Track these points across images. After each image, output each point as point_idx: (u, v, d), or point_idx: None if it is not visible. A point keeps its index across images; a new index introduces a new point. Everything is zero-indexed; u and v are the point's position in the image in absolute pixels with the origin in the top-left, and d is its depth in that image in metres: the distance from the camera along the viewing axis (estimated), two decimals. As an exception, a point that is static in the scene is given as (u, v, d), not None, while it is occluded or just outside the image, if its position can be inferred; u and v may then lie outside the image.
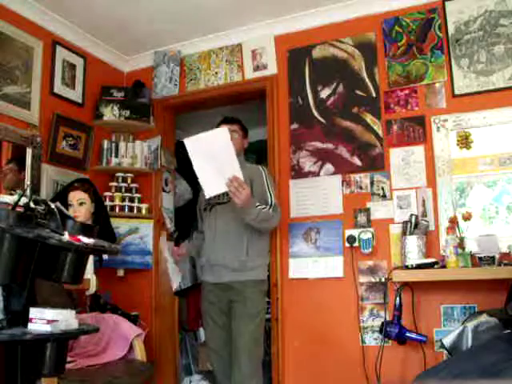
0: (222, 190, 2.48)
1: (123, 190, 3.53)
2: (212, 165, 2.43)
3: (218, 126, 2.81)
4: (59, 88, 3.29)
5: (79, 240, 1.47)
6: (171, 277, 3.61)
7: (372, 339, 2.86)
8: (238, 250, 2.67)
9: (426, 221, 2.76)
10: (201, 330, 4.19)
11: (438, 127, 2.88)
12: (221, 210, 2.74)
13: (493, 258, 2.45)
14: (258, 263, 2.71)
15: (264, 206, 2.60)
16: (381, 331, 2.67)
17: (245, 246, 2.66)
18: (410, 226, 2.69)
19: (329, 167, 3.13)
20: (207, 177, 2.46)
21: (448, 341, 2.13)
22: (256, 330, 2.65)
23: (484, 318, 2.20)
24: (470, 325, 2.14)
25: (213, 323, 2.77)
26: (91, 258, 2.73)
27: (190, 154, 2.43)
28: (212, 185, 2.48)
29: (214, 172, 2.44)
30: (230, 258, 2.66)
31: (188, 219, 3.90)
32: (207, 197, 2.55)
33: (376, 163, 3.01)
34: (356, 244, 2.94)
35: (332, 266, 3.01)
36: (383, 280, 2.83)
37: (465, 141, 2.81)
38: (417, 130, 2.93)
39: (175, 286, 3.63)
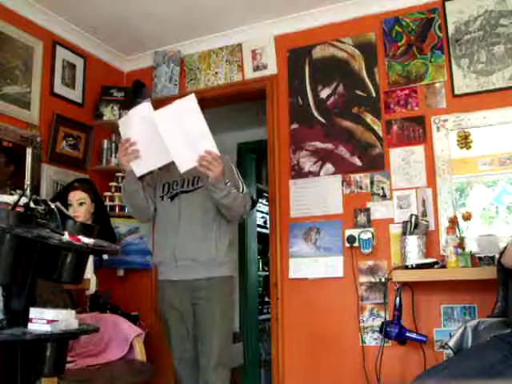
0: (193, 164, 2.24)
1: (123, 189, 3.53)
2: (183, 137, 2.21)
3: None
4: (59, 88, 3.29)
5: (79, 240, 1.47)
6: None
7: (372, 339, 2.86)
8: (207, 243, 2.39)
9: (426, 221, 2.76)
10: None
11: (438, 127, 2.88)
12: (186, 199, 2.45)
13: (493, 258, 2.45)
14: (227, 258, 2.45)
15: (233, 188, 2.39)
16: (381, 331, 2.67)
17: (214, 239, 2.40)
18: (410, 226, 2.69)
19: (329, 167, 3.13)
20: (179, 151, 2.23)
21: (453, 342, 2.13)
22: (228, 332, 2.44)
23: (484, 317, 2.20)
24: (470, 324, 2.14)
25: (176, 330, 2.48)
26: (91, 258, 2.73)
27: (159, 129, 2.22)
28: (183, 160, 2.25)
29: (186, 146, 2.22)
30: (199, 252, 2.38)
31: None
32: (181, 171, 2.28)
33: (376, 163, 3.01)
34: (356, 244, 2.94)
35: (332, 266, 3.01)
36: (383, 280, 2.83)
37: (464, 141, 2.81)
38: (417, 130, 2.93)
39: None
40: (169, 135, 2.22)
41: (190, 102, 2.19)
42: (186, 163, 2.24)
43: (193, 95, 2.20)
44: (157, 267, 2.59)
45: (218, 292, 2.39)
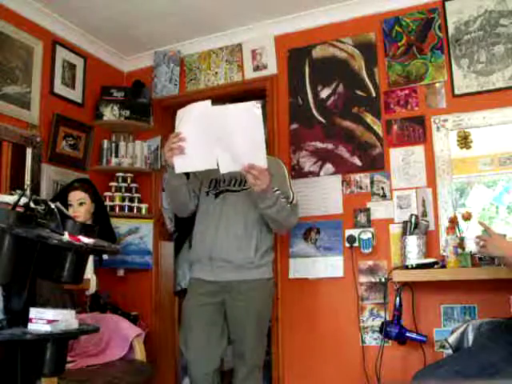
0: (236, 169, 2.18)
1: (123, 190, 3.53)
2: (236, 140, 2.13)
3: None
4: (59, 88, 3.29)
5: (79, 240, 1.47)
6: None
7: (372, 339, 2.86)
8: (245, 246, 2.35)
9: (426, 221, 2.76)
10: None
11: (438, 127, 2.88)
12: (230, 199, 2.42)
13: (493, 258, 2.45)
14: (264, 261, 2.41)
15: (283, 196, 2.33)
16: (381, 331, 2.67)
17: (254, 242, 2.36)
18: (410, 226, 2.69)
19: (329, 167, 3.13)
20: (227, 152, 2.16)
21: (452, 339, 2.13)
22: (262, 333, 2.40)
23: (486, 318, 2.20)
24: (472, 324, 2.14)
25: (200, 333, 2.36)
26: (91, 258, 2.73)
27: (214, 123, 2.16)
28: (229, 162, 2.17)
29: (236, 148, 2.14)
30: (236, 254, 2.34)
31: (188, 219, 3.89)
32: (222, 172, 2.21)
33: (376, 163, 3.01)
34: (356, 244, 2.94)
35: (332, 266, 3.01)
36: (383, 280, 2.83)
37: (464, 141, 2.81)
38: (417, 130, 2.93)
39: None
40: (222, 133, 2.15)
41: (256, 109, 2.11)
42: (230, 165, 2.18)
43: (259, 104, 2.13)
44: (191, 264, 2.55)
45: (254, 294, 2.36)
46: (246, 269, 2.35)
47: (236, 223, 2.38)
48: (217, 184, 2.48)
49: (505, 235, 2.20)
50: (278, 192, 2.29)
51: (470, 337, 2.11)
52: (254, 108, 2.10)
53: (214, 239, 2.37)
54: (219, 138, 2.15)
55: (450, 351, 2.15)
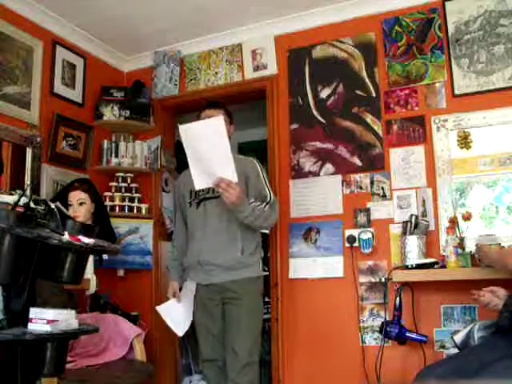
0: (209, 184, 2.35)
1: (123, 190, 3.53)
2: (204, 156, 2.27)
3: (202, 111, 2.68)
4: (59, 88, 3.29)
5: (79, 240, 1.47)
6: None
7: (372, 339, 2.86)
8: (231, 248, 2.48)
9: (426, 221, 2.76)
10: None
11: (438, 127, 2.88)
12: (210, 206, 2.55)
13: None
14: (253, 260, 2.53)
15: (259, 204, 2.46)
16: (381, 331, 2.67)
17: (239, 244, 2.49)
18: (410, 226, 2.69)
19: (329, 167, 3.13)
20: (198, 168, 2.31)
21: (458, 338, 2.13)
22: (256, 331, 2.51)
23: (486, 318, 2.20)
24: (480, 323, 2.15)
25: (206, 331, 2.57)
26: (91, 258, 2.73)
27: (183, 142, 2.31)
28: (202, 178, 2.32)
29: (205, 164, 2.28)
30: (224, 257, 2.47)
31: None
32: (196, 188, 2.39)
33: (376, 163, 3.01)
34: (356, 244, 2.94)
35: (332, 266, 3.01)
36: (383, 280, 2.83)
37: (464, 141, 2.81)
38: (417, 130, 2.93)
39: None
40: (191, 151, 2.30)
41: (218, 124, 2.24)
42: (203, 181, 2.33)
43: (221, 117, 2.27)
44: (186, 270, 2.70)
45: (245, 293, 2.49)
46: (235, 269, 2.48)
47: (220, 228, 2.51)
48: (196, 194, 2.60)
49: (500, 244, 2.37)
50: (253, 204, 2.43)
51: (476, 337, 2.10)
52: (216, 122, 2.25)
53: (202, 246, 2.53)
54: (191, 155, 2.31)
55: (453, 350, 2.15)
